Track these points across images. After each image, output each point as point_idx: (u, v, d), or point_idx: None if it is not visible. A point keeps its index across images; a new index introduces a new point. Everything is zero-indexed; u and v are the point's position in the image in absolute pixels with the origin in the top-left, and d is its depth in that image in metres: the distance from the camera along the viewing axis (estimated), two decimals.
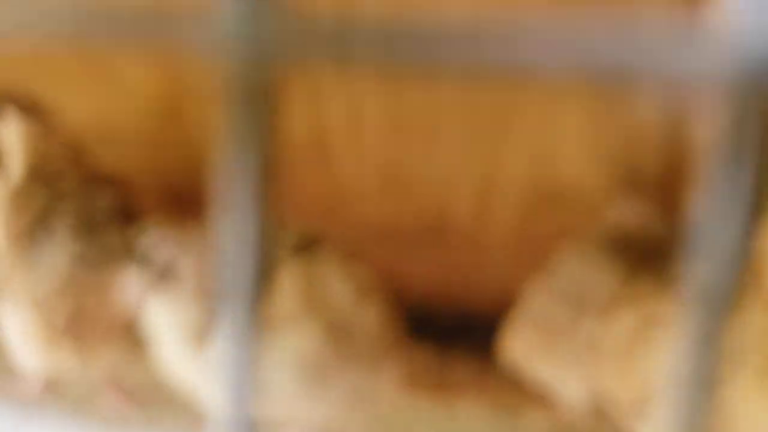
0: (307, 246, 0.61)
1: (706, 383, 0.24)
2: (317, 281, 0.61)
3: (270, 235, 0.28)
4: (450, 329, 0.73)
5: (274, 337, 0.61)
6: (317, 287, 0.61)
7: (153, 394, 0.69)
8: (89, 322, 0.68)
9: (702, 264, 0.22)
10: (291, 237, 0.62)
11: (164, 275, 0.60)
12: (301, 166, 0.78)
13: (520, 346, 0.63)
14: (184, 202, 0.75)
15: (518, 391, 0.67)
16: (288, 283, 0.60)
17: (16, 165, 0.69)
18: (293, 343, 0.61)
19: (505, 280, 0.67)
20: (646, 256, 0.62)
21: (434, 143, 0.75)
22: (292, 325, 0.61)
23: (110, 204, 0.70)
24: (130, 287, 0.63)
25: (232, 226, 0.29)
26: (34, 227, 0.68)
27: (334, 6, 0.24)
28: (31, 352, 0.69)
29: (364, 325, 0.62)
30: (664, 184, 0.72)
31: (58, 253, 0.68)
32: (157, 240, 0.62)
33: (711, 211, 0.21)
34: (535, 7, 0.69)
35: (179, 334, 0.61)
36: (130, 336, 0.66)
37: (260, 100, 0.25)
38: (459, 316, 0.74)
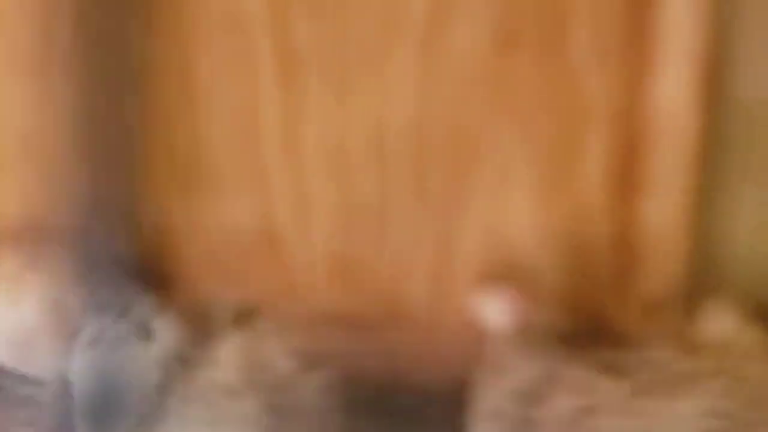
0: (246, 318, 0.60)
1: None
2: (257, 353, 0.59)
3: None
4: (404, 412, 0.70)
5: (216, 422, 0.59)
6: (257, 359, 0.59)
7: None
8: None
9: None
10: (229, 309, 0.60)
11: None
12: (250, 257, 0.76)
13: None
14: None
15: None
16: (227, 356, 0.58)
17: None
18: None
19: (461, 362, 0.65)
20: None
21: (385, 227, 0.74)
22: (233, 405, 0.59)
23: None
24: None
25: None
26: None
27: None
28: None
29: (306, 395, 0.60)
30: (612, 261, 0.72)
31: None
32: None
33: None
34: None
35: None
36: None
37: None
38: (414, 399, 0.71)
